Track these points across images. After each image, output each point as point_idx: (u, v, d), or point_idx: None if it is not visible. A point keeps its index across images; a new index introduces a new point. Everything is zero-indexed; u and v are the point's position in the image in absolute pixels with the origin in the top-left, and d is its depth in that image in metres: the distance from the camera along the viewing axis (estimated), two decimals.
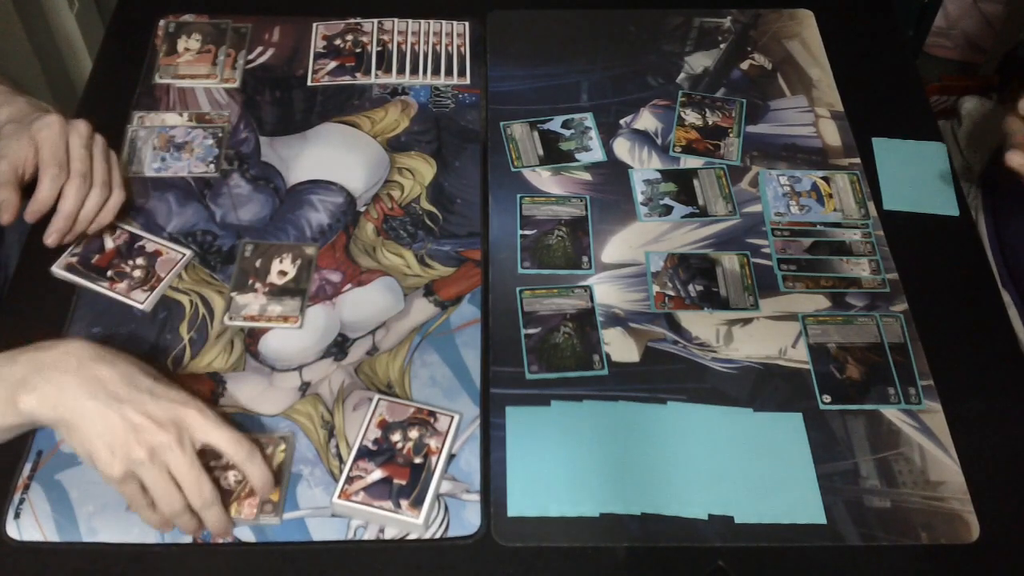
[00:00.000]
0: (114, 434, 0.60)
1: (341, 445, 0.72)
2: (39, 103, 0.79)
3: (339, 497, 0.69)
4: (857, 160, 0.93)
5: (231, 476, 0.69)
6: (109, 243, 0.82)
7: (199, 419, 0.63)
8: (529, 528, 0.70)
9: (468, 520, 0.70)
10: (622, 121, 0.95)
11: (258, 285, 0.81)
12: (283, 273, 0.82)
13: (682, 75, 1.00)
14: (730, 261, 0.85)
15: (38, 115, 0.75)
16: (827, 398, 0.76)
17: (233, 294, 0.80)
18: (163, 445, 0.61)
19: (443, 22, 1.03)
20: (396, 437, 0.72)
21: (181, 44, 0.99)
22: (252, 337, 0.79)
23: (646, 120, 0.96)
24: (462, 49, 1.01)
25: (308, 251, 0.84)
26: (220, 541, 0.68)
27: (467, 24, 1.03)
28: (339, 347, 0.78)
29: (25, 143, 0.73)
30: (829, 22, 1.06)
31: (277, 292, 0.81)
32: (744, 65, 1.01)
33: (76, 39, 1.34)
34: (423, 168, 0.91)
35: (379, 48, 1.00)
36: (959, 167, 0.99)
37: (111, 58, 1.01)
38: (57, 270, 0.80)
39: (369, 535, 0.69)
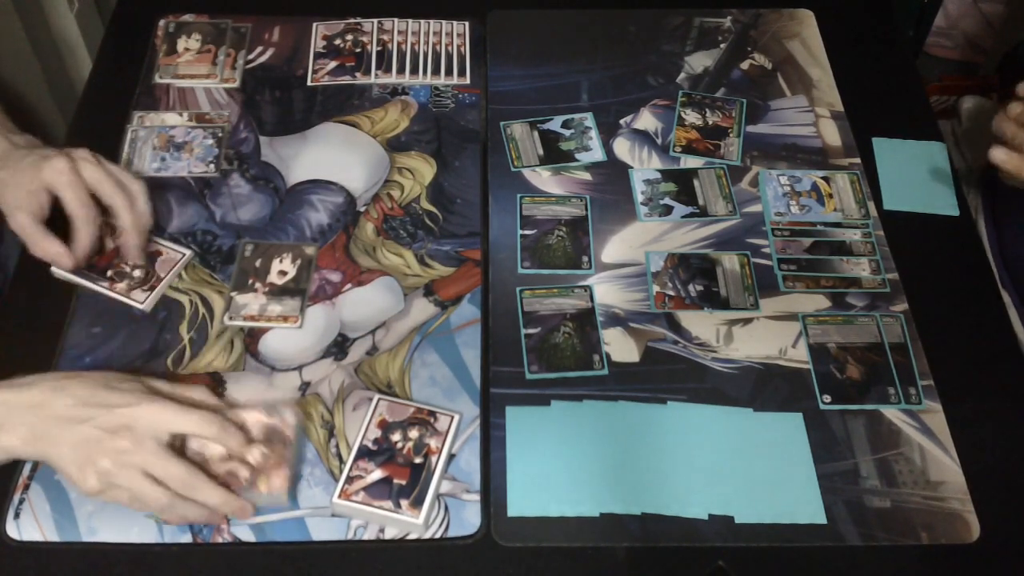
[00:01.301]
0: (78, 453, 0.64)
1: (341, 445, 0.72)
2: (27, 141, 0.80)
3: (339, 497, 0.69)
4: (857, 160, 0.93)
5: (256, 451, 0.69)
6: (109, 243, 0.82)
7: (154, 415, 0.65)
8: (529, 528, 0.69)
9: (468, 520, 0.70)
10: (622, 121, 0.95)
11: (258, 285, 0.81)
12: (283, 273, 0.82)
13: (682, 75, 1.00)
14: (730, 261, 0.85)
15: (34, 157, 0.76)
16: (827, 398, 0.76)
17: (233, 294, 0.80)
18: (123, 451, 0.64)
19: (443, 22, 1.03)
20: (396, 437, 0.72)
21: (181, 44, 0.99)
22: (252, 337, 0.78)
23: (646, 120, 0.96)
24: (462, 49, 1.01)
25: (308, 251, 0.84)
26: (221, 540, 0.68)
27: (467, 24, 1.03)
28: (339, 347, 0.78)
29: (36, 189, 0.75)
30: (829, 22, 1.06)
31: (277, 292, 0.81)
32: (744, 65, 1.01)
33: (76, 39, 1.33)
34: (423, 168, 0.91)
35: (379, 48, 1.00)
36: (959, 167, 0.99)
37: (111, 58, 1.01)
38: (57, 270, 0.80)
39: (369, 535, 0.69)
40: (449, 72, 0.99)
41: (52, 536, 0.68)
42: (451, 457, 0.72)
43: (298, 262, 0.83)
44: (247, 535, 0.68)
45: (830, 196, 0.90)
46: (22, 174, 0.75)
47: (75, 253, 0.77)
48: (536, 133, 0.94)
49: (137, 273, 0.81)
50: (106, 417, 0.64)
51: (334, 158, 0.91)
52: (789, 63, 1.02)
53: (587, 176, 0.91)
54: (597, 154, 0.92)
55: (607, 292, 0.82)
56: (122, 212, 0.77)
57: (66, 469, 0.64)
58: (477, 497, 0.71)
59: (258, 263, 0.83)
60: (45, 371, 0.76)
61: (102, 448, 0.63)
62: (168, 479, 0.64)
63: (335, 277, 0.82)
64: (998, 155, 0.80)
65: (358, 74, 0.98)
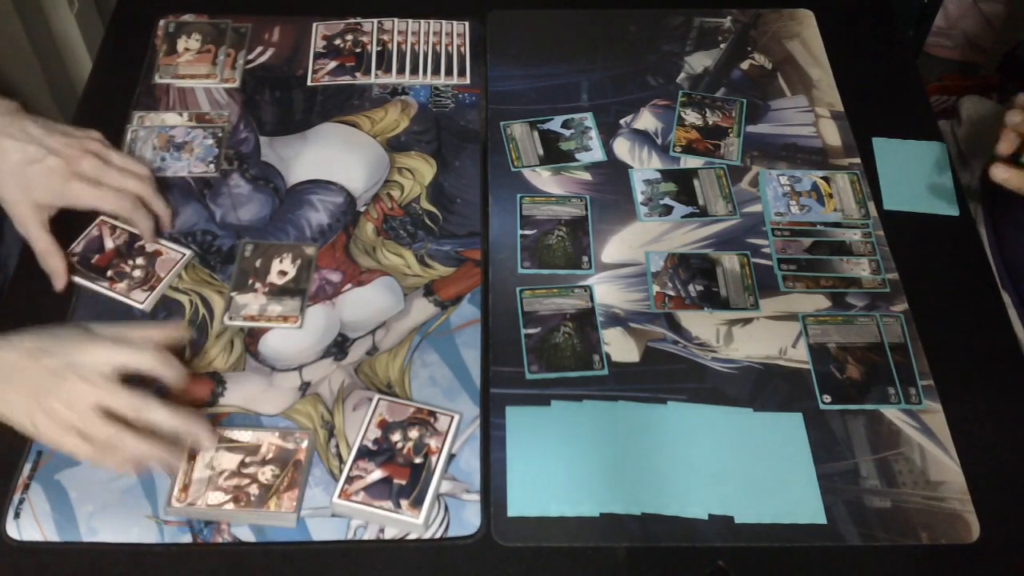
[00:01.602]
0: (27, 399, 0.65)
1: (341, 445, 0.72)
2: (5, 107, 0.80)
3: (339, 497, 0.69)
4: (857, 160, 0.93)
5: (268, 471, 0.69)
6: (109, 243, 0.82)
7: (93, 353, 0.67)
8: (529, 528, 0.70)
9: (468, 520, 0.70)
10: (622, 121, 0.95)
11: (258, 285, 0.81)
12: (283, 273, 0.82)
13: (682, 75, 1.00)
14: (730, 261, 0.85)
15: (40, 169, 0.77)
16: (827, 398, 0.76)
17: (233, 294, 0.80)
18: (70, 390, 0.65)
19: (443, 22, 1.03)
20: (396, 437, 0.72)
21: (181, 44, 0.99)
22: (252, 337, 0.78)
23: (646, 120, 0.96)
24: (462, 49, 1.01)
25: (308, 251, 0.84)
26: (221, 540, 0.68)
27: (467, 24, 1.03)
28: (339, 347, 0.78)
29: (52, 206, 0.78)
30: (829, 22, 1.06)
31: (277, 292, 0.81)
32: (744, 65, 1.01)
33: (76, 39, 1.34)
34: (423, 168, 0.91)
35: (379, 48, 1.00)
36: (959, 167, 0.99)
37: (111, 58, 1.01)
38: None
39: (369, 535, 0.69)
40: (449, 72, 0.99)
41: (52, 536, 0.68)
42: (451, 457, 0.72)
43: (298, 262, 0.83)
44: (247, 535, 0.68)
45: (830, 196, 0.90)
46: (32, 184, 0.77)
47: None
48: (536, 133, 0.94)
49: (137, 273, 0.81)
50: (49, 360, 0.66)
51: (334, 158, 0.91)
52: (789, 63, 1.02)
53: (587, 176, 0.91)
54: (597, 154, 0.92)
55: (607, 292, 0.82)
56: (153, 201, 0.83)
57: (18, 419, 0.66)
58: (477, 497, 0.71)
59: (258, 263, 0.83)
60: None
61: (49, 390, 0.65)
62: (120, 406, 0.66)
63: (335, 277, 0.82)
64: (999, 173, 0.79)
65: (358, 74, 0.98)
